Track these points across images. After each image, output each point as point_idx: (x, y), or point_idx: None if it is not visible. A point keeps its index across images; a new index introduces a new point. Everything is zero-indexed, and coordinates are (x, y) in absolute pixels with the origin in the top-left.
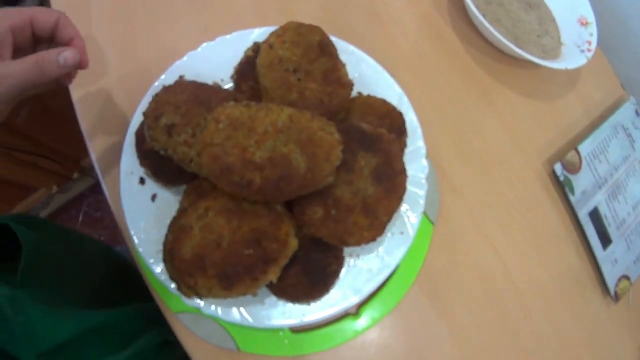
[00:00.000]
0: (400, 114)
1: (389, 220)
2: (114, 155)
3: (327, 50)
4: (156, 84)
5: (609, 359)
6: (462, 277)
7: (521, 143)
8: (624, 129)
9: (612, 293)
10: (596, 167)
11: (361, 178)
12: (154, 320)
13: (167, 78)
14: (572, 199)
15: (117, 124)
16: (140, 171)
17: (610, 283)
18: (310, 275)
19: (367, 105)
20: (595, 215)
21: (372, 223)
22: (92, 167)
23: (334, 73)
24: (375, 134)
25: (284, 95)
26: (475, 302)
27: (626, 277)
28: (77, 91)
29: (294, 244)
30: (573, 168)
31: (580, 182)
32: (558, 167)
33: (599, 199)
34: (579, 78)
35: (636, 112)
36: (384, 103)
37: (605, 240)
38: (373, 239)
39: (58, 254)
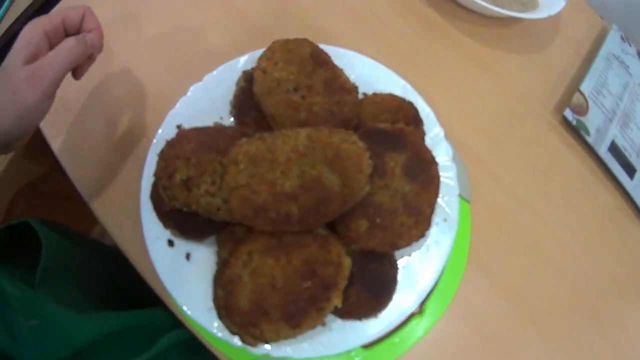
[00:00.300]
0: (411, 104)
1: (432, 212)
2: (133, 226)
3: (321, 60)
4: (155, 140)
5: None
6: (508, 245)
7: (526, 99)
8: (616, 57)
9: None
10: (602, 102)
11: (395, 178)
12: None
13: (165, 131)
14: (589, 139)
15: (125, 194)
16: (165, 234)
17: None
18: (371, 289)
19: (376, 104)
20: (614, 149)
21: (418, 220)
22: (103, 236)
23: (335, 81)
24: (395, 130)
25: (292, 116)
26: (526, 266)
27: None
28: (77, 171)
29: (348, 263)
30: (581, 110)
31: (592, 121)
32: (568, 113)
33: (614, 133)
34: (560, 22)
35: (621, 38)
36: (392, 97)
37: (630, 171)
38: (422, 235)
39: (80, 257)
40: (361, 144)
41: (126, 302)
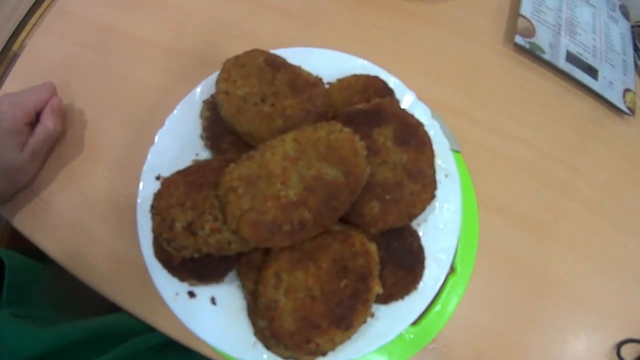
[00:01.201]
0: (377, 78)
1: (434, 172)
2: (144, 292)
3: (278, 64)
4: (139, 200)
5: None
6: (510, 179)
7: (475, 38)
8: None
9: (625, 109)
10: (545, 19)
11: (389, 151)
12: None
13: (146, 187)
14: (545, 57)
15: (129, 264)
16: (184, 287)
17: (619, 102)
18: (403, 265)
19: (344, 89)
20: (571, 57)
21: (424, 183)
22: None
23: (298, 79)
24: (374, 106)
25: (269, 127)
26: (531, 191)
27: (628, 90)
28: (77, 266)
29: (374, 248)
30: (529, 32)
31: (543, 39)
32: (519, 38)
33: (566, 43)
34: None
35: None
36: (357, 77)
37: (592, 72)
38: (433, 197)
39: (49, 274)
40: (348, 130)
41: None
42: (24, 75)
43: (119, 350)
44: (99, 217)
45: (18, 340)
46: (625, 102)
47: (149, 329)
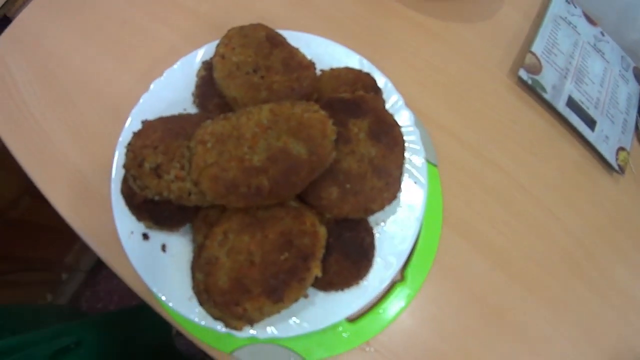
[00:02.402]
0: (368, 75)
1: (401, 174)
2: (103, 226)
3: (277, 41)
4: (121, 138)
5: (636, 230)
6: (481, 204)
7: (481, 64)
8: (563, 19)
9: (616, 167)
10: (554, 61)
11: (360, 143)
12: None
13: (130, 127)
14: (546, 96)
15: (97, 197)
16: (139, 228)
17: (611, 158)
18: (350, 257)
19: (334, 78)
20: (572, 103)
21: (388, 182)
22: (78, 261)
23: (292, 59)
24: (356, 98)
25: (254, 97)
26: (502, 223)
27: (622, 149)
28: (47, 184)
29: (323, 232)
30: (535, 69)
31: (547, 79)
32: (523, 73)
33: (570, 88)
34: None
35: (566, 0)
36: (349, 70)
37: (590, 123)
38: (394, 197)
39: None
40: (323, 112)
41: None
42: (46, 4)
43: None
44: (79, 143)
45: None
46: (617, 159)
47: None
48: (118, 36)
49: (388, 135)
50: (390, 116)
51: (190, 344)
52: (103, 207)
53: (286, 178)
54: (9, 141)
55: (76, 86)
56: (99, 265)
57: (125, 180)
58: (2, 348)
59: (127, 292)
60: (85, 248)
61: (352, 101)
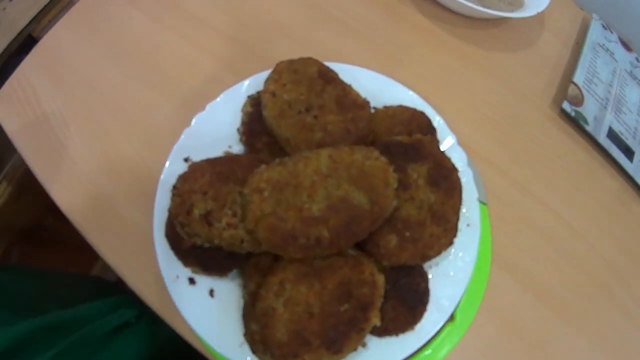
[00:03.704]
0: (423, 114)
1: (458, 219)
2: (146, 268)
3: (329, 77)
4: (163, 176)
5: None
6: (528, 242)
7: (524, 95)
8: (601, 46)
9: None
10: (595, 91)
11: (419, 189)
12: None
13: (172, 166)
14: (588, 128)
15: (136, 235)
16: (185, 272)
17: None
18: (406, 303)
19: (389, 117)
20: (612, 134)
21: (445, 228)
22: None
23: (346, 97)
24: (414, 142)
25: (308, 138)
26: (546, 259)
27: None
28: (80, 217)
29: (382, 280)
30: (578, 100)
31: (589, 110)
32: (566, 105)
33: (610, 119)
34: (544, 17)
35: (603, 26)
36: (404, 109)
37: (629, 154)
38: (451, 243)
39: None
40: (384, 159)
41: None
42: (74, 25)
43: (67, 340)
44: (119, 183)
45: None
46: None
47: (101, 315)
48: (151, 61)
49: (447, 180)
50: (448, 160)
51: None
52: (144, 248)
53: (347, 229)
54: (39, 173)
55: (108, 113)
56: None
57: (169, 224)
58: (56, 322)
59: None
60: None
61: (410, 145)
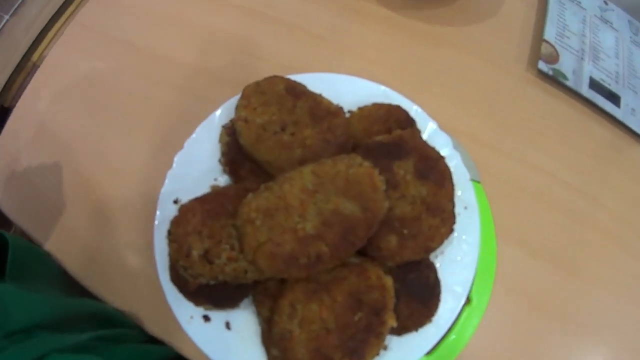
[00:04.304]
0: (399, 107)
1: (453, 205)
2: (159, 312)
3: (298, 92)
4: (157, 222)
5: None
6: (529, 209)
7: (499, 64)
8: None
9: None
10: (568, 44)
11: (409, 185)
12: None
13: (163, 211)
14: (569, 84)
15: (144, 283)
16: (198, 311)
17: None
18: (418, 297)
19: (365, 118)
20: (594, 84)
21: (443, 217)
22: None
23: (319, 108)
24: (395, 139)
25: (289, 157)
26: (551, 223)
27: None
28: (92, 278)
29: (390, 282)
30: (553, 58)
31: (566, 65)
32: (542, 65)
33: (589, 69)
34: None
35: None
36: (378, 106)
37: (615, 99)
38: (451, 231)
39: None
40: (368, 164)
41: None
42: (43, 88)
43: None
44: (114, 233)
45: (19, 305)
46: None
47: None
48: (124, 109)
49: (435, 170)
50: (433, 150)
51: None
52: (154, 293)
53: (344, 240)
54: (33, 234)
55: (93, 169)
56: None
57: (173, 268)
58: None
59: None
60: None
61: (392, 143)
